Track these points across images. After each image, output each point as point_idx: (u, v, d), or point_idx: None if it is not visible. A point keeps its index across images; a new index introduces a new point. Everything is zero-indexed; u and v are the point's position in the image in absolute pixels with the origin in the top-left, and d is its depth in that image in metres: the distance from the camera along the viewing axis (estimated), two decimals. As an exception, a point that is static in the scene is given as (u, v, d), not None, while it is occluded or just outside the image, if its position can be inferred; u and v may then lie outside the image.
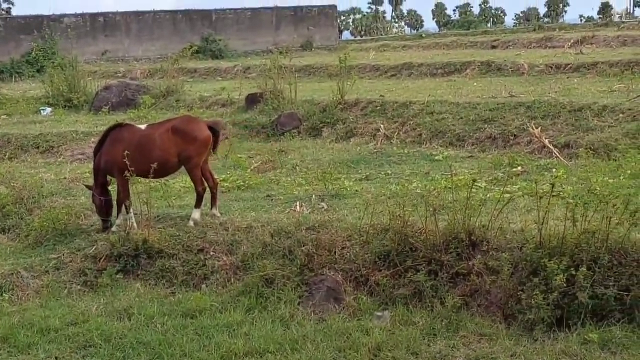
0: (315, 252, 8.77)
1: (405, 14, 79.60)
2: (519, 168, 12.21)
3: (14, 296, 8.94)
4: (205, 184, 10.17)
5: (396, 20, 79.58)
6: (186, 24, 41.64)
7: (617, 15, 48.65)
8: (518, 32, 39.75)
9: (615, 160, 11.75)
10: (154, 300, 8.59)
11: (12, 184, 12.44)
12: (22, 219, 11.24)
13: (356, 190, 11.57)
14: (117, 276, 9.25)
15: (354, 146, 15.89)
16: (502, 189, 9.43)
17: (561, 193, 9.35)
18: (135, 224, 9.95)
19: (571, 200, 7.91)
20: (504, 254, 7.92)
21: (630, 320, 7.18)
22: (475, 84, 21.09)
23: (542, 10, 66.08)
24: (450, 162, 11.80)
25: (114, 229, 10.12)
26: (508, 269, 7.71)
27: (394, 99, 18.15)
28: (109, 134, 10.19)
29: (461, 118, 15.59)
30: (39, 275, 9.36)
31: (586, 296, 7.18)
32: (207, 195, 10.30)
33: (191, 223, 9.95)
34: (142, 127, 10.44)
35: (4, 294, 8.89)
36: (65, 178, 13.70)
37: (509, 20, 65.32)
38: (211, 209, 10.31)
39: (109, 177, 10.33)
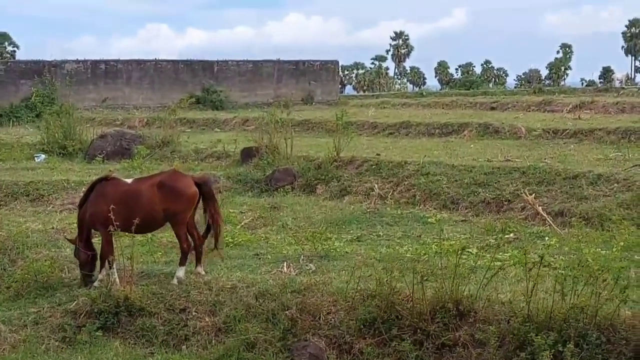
0: (300, 316, 8.64)
1: (408, 71, 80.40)
2: (512, 235, 12.07)
3: (-10, 350, 8.73)
4: (191, 241, 10.00)
5: (399, 76, 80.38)
6: (187, 74, 41.90)
7: (618, 81, 49.09)
8: (518, 93, 40.03)
9: (609, 230, 11.63)
10: (132, 360, 8.36)
11: (-2, 232, 12.28)
12: (4, 270, 11.02)
13: (346, 252, 11.45)
14: (97, 333, 9.06)
15: (347, 205, 15.78)
16: (492, 256, 9.28)
17: (552, 263, 9.22)
18: (117, 280, 9.75)
19: (562, 272, 7.79)
20: (491, 326, 7.79)
21: (618, 400, 7.01)
22: (472, 145, 21.14)
23: (544, 72, 66.80)
24: (442, 226, 11.65)
25: (96, 284, 9.93)
26: (495, 342, 7.58)
27: (390, 158, 18.13)
28: (94, 187, 10.06)
29: (456, 181, 15.52)
30: (17, 330, 9.15)
31: (573, 374, 7.02)
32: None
33: (175, 281, 9.77)
34: (129, 181, 10.31)
35: (-21, 348, 8.68)
36: (52, 228, 13.54)
37: (510, 81, 66.08)
38: (196, 267, 10.12)
39: (93, 231, 10.17)
